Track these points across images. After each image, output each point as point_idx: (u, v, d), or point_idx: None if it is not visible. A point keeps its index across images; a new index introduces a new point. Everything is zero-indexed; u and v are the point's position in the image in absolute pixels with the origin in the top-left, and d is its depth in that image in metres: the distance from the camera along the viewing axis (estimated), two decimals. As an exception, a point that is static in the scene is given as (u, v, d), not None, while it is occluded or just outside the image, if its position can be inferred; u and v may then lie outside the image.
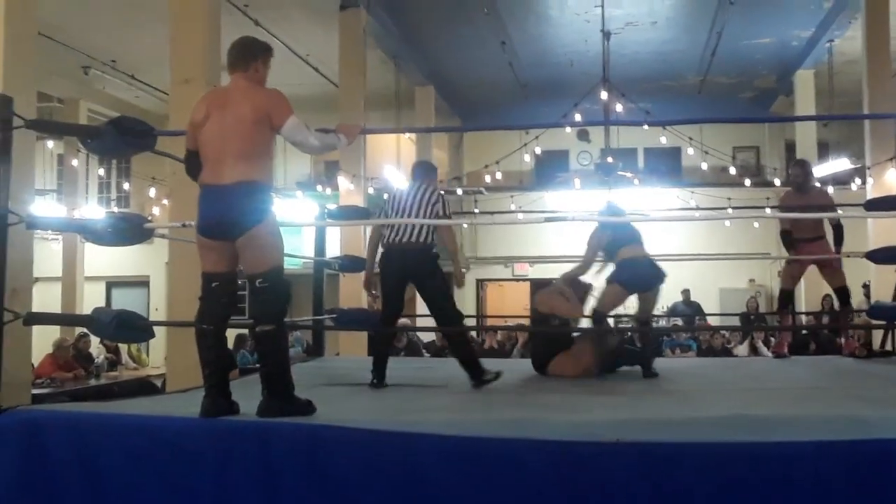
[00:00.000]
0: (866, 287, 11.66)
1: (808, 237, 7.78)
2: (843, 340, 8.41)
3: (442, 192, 6.30)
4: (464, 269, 18.73)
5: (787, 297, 8.15)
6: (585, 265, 6.82)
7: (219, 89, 4.44)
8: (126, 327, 5.01)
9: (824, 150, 15.84)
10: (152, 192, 15.89)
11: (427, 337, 13.07)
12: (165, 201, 14.20)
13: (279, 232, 4.27)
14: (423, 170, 6.56)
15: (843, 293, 7.79)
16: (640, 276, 6.52)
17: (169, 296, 7.45)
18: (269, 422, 3.95)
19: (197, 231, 4.25)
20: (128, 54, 14.45)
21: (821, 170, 14.52)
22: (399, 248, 6.07)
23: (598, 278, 6.84)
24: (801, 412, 4.61)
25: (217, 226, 4.14)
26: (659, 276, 6.61)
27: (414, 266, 6.13)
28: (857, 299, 12.84)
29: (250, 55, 4.40)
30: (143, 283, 19.11)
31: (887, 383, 5.93)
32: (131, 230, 5.16)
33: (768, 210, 14.38)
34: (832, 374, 6.71)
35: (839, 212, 7.83)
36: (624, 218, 7.20)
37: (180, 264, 7.31)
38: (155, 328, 5.47)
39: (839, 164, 14.43)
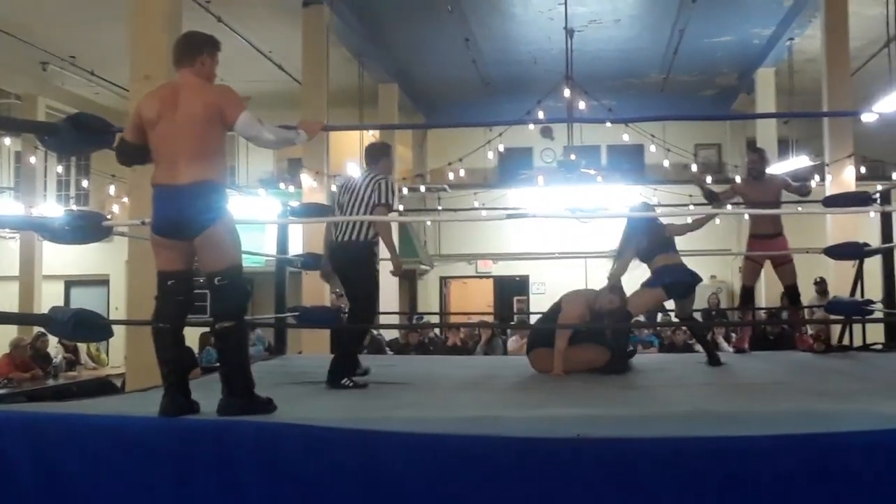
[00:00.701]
0: (818, 283, 11.78)
1: (767, 233, 7.61)
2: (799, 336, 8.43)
3: (382, 178, 6.08)
4: (425, 267, 18.78)
5: (747, 293, 8.04)
6: (622, 269, 6.82)
7: (168, 86, 4.35)
8: (84, 326, 4.95)
9: (784, 148, 15.99)
10: (112, 189, 15.69)
11: (390, 335, 13.04)
12: (125, 199, 14.05)
13: (236, 230, 4.25)
14: (370, 155, 6.39)
15: (792, 291, 7.75)
16: (682, 282, 6.67)
17: (129, 294, 7.38)
18: (228, 421, 3.92)
19: (152, 230, 4.21)
20: (87, 50, 14.28)
21: (781, 167, 14.66)
22: (334, 245, 6.10)
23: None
24: (759, 407, 4.66)
25: (173, 226, 4.12)
26: (694, 281, 6.79)
27: (339, 262, 6.14)
28: (809, 295, 12.99)
29: (195, 49, 4.34)
30: (102, 281, 18.90)
31: (844, 377, 5.98)
32: (89, 228, 5.10)
33: (729, 206, 14.47)
34: (790, 369, 6.77)
35: (795, 188, 7.70)
36: (588, 214, 7.23)
37: (140, 263, 7.23)
38: (114, 327, 5.40)
39: (799, 161, 14.57)
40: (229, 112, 4.17)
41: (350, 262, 6.06)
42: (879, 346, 7.82)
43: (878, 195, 7.86)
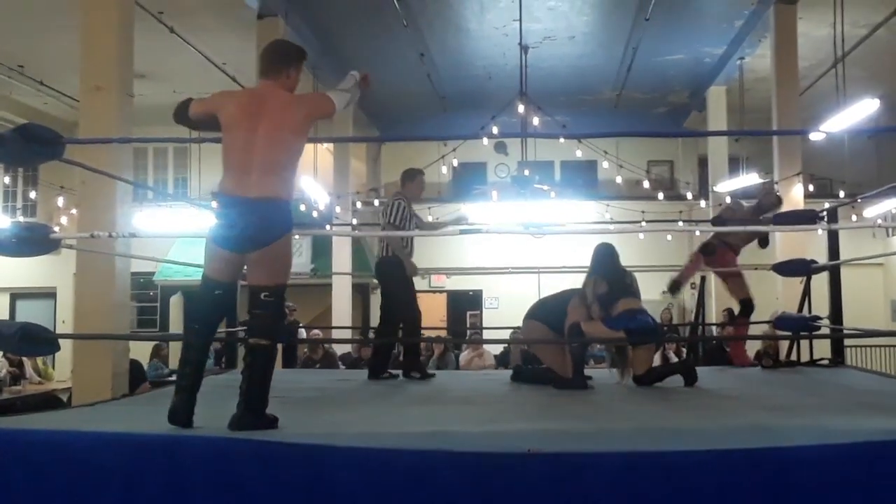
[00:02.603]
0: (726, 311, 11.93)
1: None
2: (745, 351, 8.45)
3: (395, 200, 7.26)
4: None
5: (748, 305, 8.00)
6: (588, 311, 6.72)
7: (251, 94, 4.31)
8: (30, 340, 4.87)
9: (735, 165, 16.21)
10: (61, 201, 15.48)
11: (343, 349, 12.99)
12: (74, 211, 13.87)
13: (291, 250, 4.27)
14: (401, 178, 7.61)
15: (748, 305, 7.88)
16: (642, 329, 6.46)
17: (76, 308, 7.27)
18: (178, 436, 3.87)
19: (213, 241, 4.16)
20: (36, 59, 14.09)
21: (732, 184, 14.86)
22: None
23: None
24: (707, 422, 4.71)
25: (236, 239, 4.09)
26: (655, 332, 6.81)
27: (376, 276, 7.50)
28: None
29: (284, 62, 4.33)
30: (49, 294, 18.62)
31: (792, 392, 6.06)
32: (37, 240, 5.02)
33: (681, 223, 14.66)
34: (739, 383, 6.83)
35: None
36: (541, 230, 7.25)
37: (88, 275, 7.16)
38: (61, 341, 5.32)
39: (749, 178, 14.77)
40: (323, 107, 4.30)
41: (380, 276, 7.37)
42: (826, 362, 7.93)
43: (825, 213, 7.99)
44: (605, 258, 6.76)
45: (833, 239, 7.93)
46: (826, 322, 7.76)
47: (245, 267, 4.22)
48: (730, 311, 11.97)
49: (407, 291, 7.29)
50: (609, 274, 6.64)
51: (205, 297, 4.24)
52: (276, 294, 4.16)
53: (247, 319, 4.24)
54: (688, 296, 15.27)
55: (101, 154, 6.58)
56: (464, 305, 18.83)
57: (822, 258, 7.98)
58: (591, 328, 6.44)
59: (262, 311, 4.15)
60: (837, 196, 14.94)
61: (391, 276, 7.21)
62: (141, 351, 10.94)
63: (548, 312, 6.75)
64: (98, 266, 7.00)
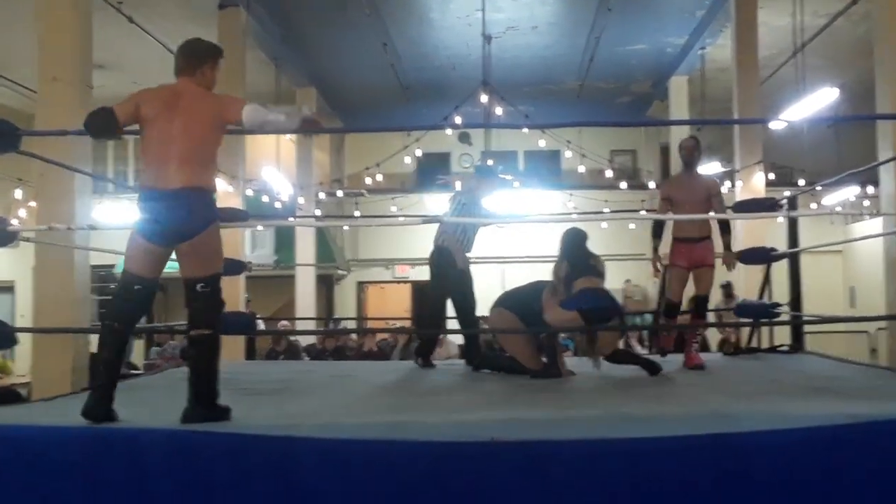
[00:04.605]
0: (724, 287, 12.00)
1: (692, 236, 6.95)
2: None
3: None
4: (343, 272, 18.71)
5: (674, 309, 7.29)
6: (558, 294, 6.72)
7: (168, 89, 4.31)
8: (-12, 334, 4.80)
9: (697, 154, 16.30)
10: (18, 193, 15.25)
11: (307, 340, 12.94)
12: (32, 203, 13.68)
13: (221, 238, 4.26)
14: None
15: (704, 302, 7.18)
16: (599, 308, 6.45)
17: (35, 302, 7.18)
18: (138, 429, 3.85)
19: (139, 235, 4.15)
20: (-8, 50, 13.88)
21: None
22: None
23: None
24: (670, 408, 4.75)
25: (162, 231, 4.08)
26: (615, 311, 6.68)
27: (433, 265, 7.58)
28: (716, 299, 13.25)
29: (198, 60, 4.35)
30: (7, 288, 18.39)
31: (752, 379, 6.12)
32: (-7, 233, 4.95)
33: (643, 212, 14.75)
34: (702, 370, 6.88)
35: (724, 205, 7.13)
36: (504, 219, 7.26)
37: (47, 269, 7.07)
38: (21, 335, 5.25)
39: (710, 167, 14.88)
40: (231, 111, 4.21)
41: (439, 265, 7.38)
42: (786, 348, 8.02)
43: (785, 201, 8.07)
44: (570, 241, 6.79)
45: (793, 227, 8.02)
46: (786, 309, 7.84)
47: (178, 262, 4.20)
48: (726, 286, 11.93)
49: (465, 281, 7.36)
50: (572, 256, 6.68)
51: (124, 292, 4.19)
52: (211, 284, 4.16)
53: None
54: (650, 283, 15.38)
55: (59, 146, 6.49)
56: (428, 296, 18.80)
57: (782, 246, 8.05)
58: (551, 315, 6.46)
59: (200, 302, 4.15)
60: (797, 184, 15.08)
61: (449, 265, 7.22)
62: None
63: (516, 302, 6.75)
64: (57, 259, 6.91)
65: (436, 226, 7.30)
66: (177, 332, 11.66)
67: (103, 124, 4.28)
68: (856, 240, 15.15)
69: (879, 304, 7.94)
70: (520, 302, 6.73)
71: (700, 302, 7.16)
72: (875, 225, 11.84)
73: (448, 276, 7.25)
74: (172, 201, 4.04)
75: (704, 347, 10.45)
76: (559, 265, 6.67)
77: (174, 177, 4.05)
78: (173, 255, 4.19)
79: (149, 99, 4.24)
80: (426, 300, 7.70)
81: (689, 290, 7.20)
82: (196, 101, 4.20)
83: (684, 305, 7.56)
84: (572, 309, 6.40)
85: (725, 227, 7.11)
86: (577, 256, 6.68)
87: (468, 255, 7.40)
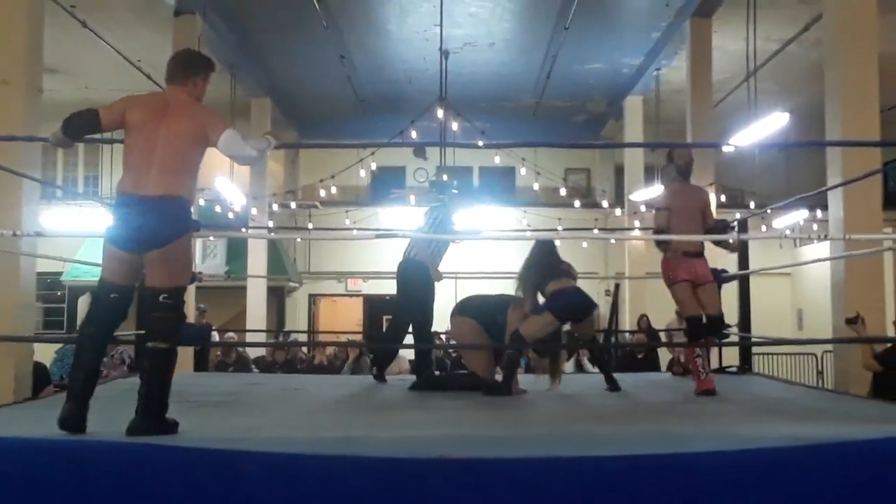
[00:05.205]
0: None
1: (692, 251, 6.59)
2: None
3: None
4: (294, 284, 18.58)
5: (699, 324, 6.54)
6: (527, 306, 6.72)
7: (158, 97, 4.35)
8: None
9: (651, 174, 16.45)
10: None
11: (256, 352, 12.82)
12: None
13: (191, 252, 4.25)
14: None
15: (720, 322, 6.60)
16: (572, 305, 6.57)
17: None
18: (82, 441, 3.78)
19: (110, 243, 4.11)
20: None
21: (647, 193, 15.09)
22: None
23: None
24: (621, 427, 4.76)
25: (133, 237, 4.04)
26: (588, 307, 6.73)
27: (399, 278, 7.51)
28: (668, 319, 13.36)
29: (191, 71, 4.35)
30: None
31: (701, 399, 6.15)
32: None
33: (596, 231, 14.85)
34: (650, 390, 6.93)
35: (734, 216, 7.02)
36: (446, 235, 7.26)
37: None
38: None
39: (662, 188, 14.99)
40: (213, 130, 4.16)
41: (404, 279, 7.38)
42: (734, 369, 8.09)
43: (735, 223, 8.16)
44: (538, 249, 6.87)
45: (743, 249, 8.10)
46: (735, 330, 7.92)
47: (146, 270, 4.15)
48: (647, 318, 12.02)
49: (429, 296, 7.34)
50: (543, 262, 6.74)
51: (101, 299, 4.16)
52: (174, 296, 4.13)
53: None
54: (602, 301, 15.45)
55: (6, 151, 6.37)
56: (381, 310, 18.77)
57: (732, 268, 8.13)
58: (526, 328, 6.49)
59: (161, 313, 4.11)
60: (748, 206, 15.27)
61: (414, 279, 7.21)
62: (46, 353, 10.64)
63: (480, 311, 6.77)
64: (2, 266, 6.78)
65: (390, 240, 7.27)
66: (122, 342, 11.49)
67: (84, 124, 4.24)
68: (804, 263, 15.37)
69: (827, 326, 8.04)
70: (484, 312, 6.75)
71: (713, 322, 6.59)
72: (823, 248, 12.01)
73: (416, 289, 7.21)
74: (149, 208, 4.01)
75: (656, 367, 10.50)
76: (527, 272, 6.70)
77: (154, 184, 4.02)
78: None
79: (136, 105, 4.22)
80: (390, 312, 7.70)
81: (641, 308, 7.25)
82: (184, 110, 4.18)
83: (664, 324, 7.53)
84: (546, 309, 6.47)
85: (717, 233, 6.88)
86: (548, 262, 6.75)
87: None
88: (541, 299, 6.69)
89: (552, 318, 6.49)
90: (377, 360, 7.78)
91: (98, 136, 4.58)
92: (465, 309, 6.87)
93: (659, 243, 6.64)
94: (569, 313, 6.58)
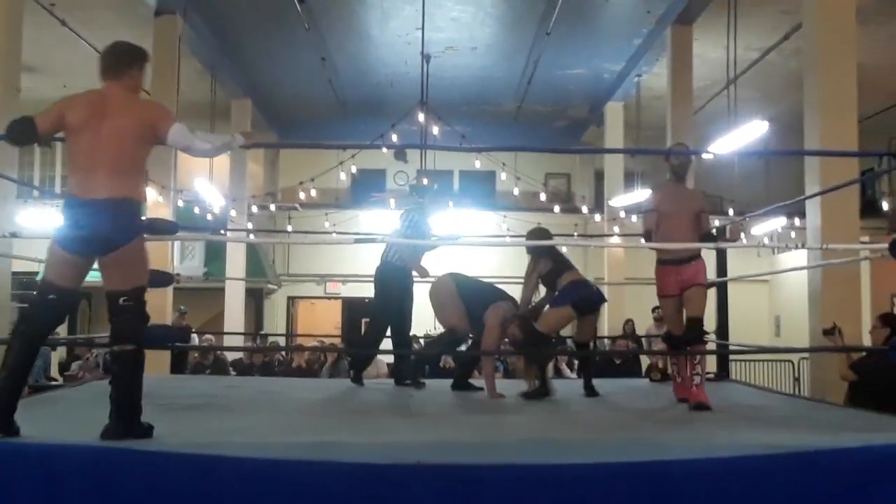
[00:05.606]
0: (655, 312, 12.11)
1: (681, 257, 6.15)
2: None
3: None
4: (273, 286, 18.52)
5: (673, 341, 6.36)
6: (530, 294, 6.84)
7: (95, 94, 4.18)
8: None
9: (630, 180, 16.50)
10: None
11: (234, 355, 12.77)
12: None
13: (147, 251, 4.15)
14: None
15: (699, 325, 6.21)
16: (589, 297, 6.68)
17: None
18: (53, 444, 3.73)
19: (58, 244, 4.03)
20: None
21: (627, 198, 15.12)
22: None
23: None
24: (598, 434, 4.76)
25: (83, 241, 3.96)
26: (602, 298, 6.87)
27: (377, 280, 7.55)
28: (646, 325, 13.39)
29: (125, 63, 4.22)
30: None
31: (678, 406, 6.15)
32: None
33: (576, 236, 14.87)
34: (628, 397, 6.93)
35: (713, 223, 6.62)
36: (425, 241, 7.28)
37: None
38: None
39: (644, 193, 15.03)
40: (161, 125, 4.08)
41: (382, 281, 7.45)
42: (712, 376, 8.10)
43: (714, 230, 8.17)
44: (544, 239, 6.90)
45: (721, 257, 8.13)
46: (713, 337, 7.93)
47: (101, 274, 4.09)
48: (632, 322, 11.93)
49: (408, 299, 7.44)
50: (550, 252, 6.79)
51: (38, 301, 4.09)
52: (134, 298, 4.05)
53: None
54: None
55: (-18, 149, 6.32)
56: (359, 312, 18.72)
57: (710, 275, 8.15)
58: (544, 323, 6.54)
59: (123, 316, 4.04)
60: (727, 213, 15.34)
61: (393, 282, 7.27)
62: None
63: (467, 286, 6.85)
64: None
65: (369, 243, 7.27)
66: (97, 346, 11.42)
67: (22, 134, 4.15)
68: (782, 271, 15.44)
69: (804, 333, 8.08)
70: (462, 283, 6.80)
71: (693, 325, 6.20)
72: (801, 256, 12.06)
73: (394, 291, 7.22)
74: (97, 211, 3.93)
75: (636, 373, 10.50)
76: (536, 264, 6.73)
77: (100, 186, 3.94)
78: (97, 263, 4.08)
79: (74, 106, 4.11)
80: (368, 315, 7.74)
81: (625, 314, 7.26)
82: (124, 106, 4.09)
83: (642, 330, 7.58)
84: (566, 303, 6.49)
85: (709, 239, 6.55)
86: (556, 252, 6.80)
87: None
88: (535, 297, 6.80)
89: (571, 310, 6.55)
90: (355, 363, 7.77)
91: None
92: (459, 283, 6.95)
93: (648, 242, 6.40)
94: (587, 305, 6.64)
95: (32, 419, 4.06)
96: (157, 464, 3.56)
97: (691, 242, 6.16)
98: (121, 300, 4.03)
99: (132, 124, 4.04)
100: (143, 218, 4.21)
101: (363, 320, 18.26)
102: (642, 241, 6.50)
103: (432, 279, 7.29)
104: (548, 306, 6.78)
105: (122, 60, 4.24)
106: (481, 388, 6.69)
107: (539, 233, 7.06)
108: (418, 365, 7.67)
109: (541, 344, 6.55)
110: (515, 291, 6.99)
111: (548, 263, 6.75)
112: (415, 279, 7.47)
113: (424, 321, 7.20)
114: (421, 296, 7.36)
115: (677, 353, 6.33)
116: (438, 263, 7.64)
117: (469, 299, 6.85)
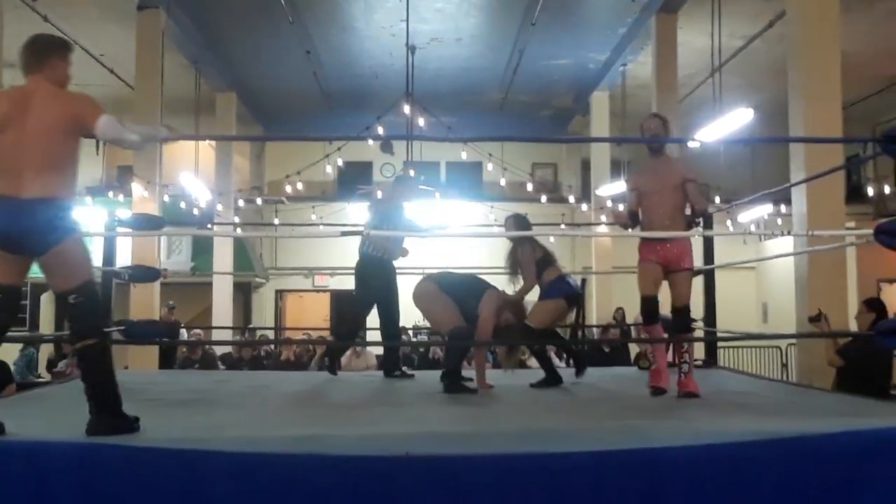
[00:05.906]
0: None
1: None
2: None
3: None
4: (261, 280, 18.49)
5: (651, 304, 6.06)
6: (532, 285, 6.79)
7: (19, 91, 4.08)
8: None
9: (616, 169, 16.52)
10: None
11: (223, 349, 12.75)
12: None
13: (86, 245, 4.07)
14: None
15: (686, 314, 6.01)
16: (575, 291, 6.73)
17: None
18: (42, 442, 3.70)
19: None
20: None
21: (613, 187, 15.14)
22: None
23: None
24: (586, 423, 4.77)
25: (15, 241, 3.87)
26: (581, 292, 6.95)
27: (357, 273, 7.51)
28: (634, 313, 13.41)
29: (42, 53, 4.09)
30: None
31: (666, 394, 6.16)
32: None
33: (563, 226, 14.89)
34: (616, 385, 6.94)
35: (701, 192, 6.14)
36: (405, 233, 7.28)
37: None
38: None
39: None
40: (88, 117, 3.96)
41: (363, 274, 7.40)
42: (700, 363, 8.11)
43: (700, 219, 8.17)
44: (527, 227, 6.93)
45: (708, 244, 8.13)
46: (700, 324, 7.95)
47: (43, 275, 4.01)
48: (622, 311, 12.02)
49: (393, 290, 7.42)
50: (534, 245, 6.82)
51: None
52: (83, 293, 3.98)
53: (118, 320, 4.08)
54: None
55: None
56: (348, 305, 18.69)
57: (697, 262, 8.16)
58: (535, 318, 6.54)
59: (76, 312, 3.98)
60: (714, 201, 15.36)
61: (372, 275, 7.28)
62: (9, 352, 10.52)
63: (450, 285, 6.76)
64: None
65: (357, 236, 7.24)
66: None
67: None
68: (769, 258, 15.49)
69: (791, 319, 8.11)
70: (458, 289, 6.71)
71: (680, 314, 6.02)
72: (787, 243, 12.10)
73: (374, 284, 7.22)
74: (24, 212, 3.83)
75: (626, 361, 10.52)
76: (523, 249, 6.71)
77: (27, 185, 3.83)
78: None
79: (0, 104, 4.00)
80: (348, 308, 7.78)
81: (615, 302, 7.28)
82: (49, 101, 3.96)
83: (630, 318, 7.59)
84: (559, 296, 6.51)
85: (703, 216, 6.29)
86: (540, 243, 6.81)
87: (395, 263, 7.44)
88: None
89: (564, 303, 6.58)
90: (329, 351, 7.88)
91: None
92: (441, 282, 6.84)
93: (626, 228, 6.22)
94: (574, 299, 6.71)
95: (19, 417, 4.05)
96: (145, 459, 3.54)
97: (675, 218, 5.92)
98: (70, 298, 3.96)
99: (57, 119, 3.93)
100: (75, 217, 4.03)
101: (352, 313, 18.29)
102: (627, 229, 6.27)
103: (416, 271, 7.28)
104: (538, 300, 6.77)
105: (41, 52, 4.10)
106: (474, 390, 6.55)
107: (518, 218, 7.08)
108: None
109: (535, 334, 6.56)
110: (500, 282, 6.91)
111: (541, 251, 6.78)
112: (397, 270, 7.44)
113: (413, 313, 7.15)
114: (406, 287, 7.32)
115: (663, 341, 6.32)
116: (426, 256, 7.63)
117: (457, 295, 6.71)
